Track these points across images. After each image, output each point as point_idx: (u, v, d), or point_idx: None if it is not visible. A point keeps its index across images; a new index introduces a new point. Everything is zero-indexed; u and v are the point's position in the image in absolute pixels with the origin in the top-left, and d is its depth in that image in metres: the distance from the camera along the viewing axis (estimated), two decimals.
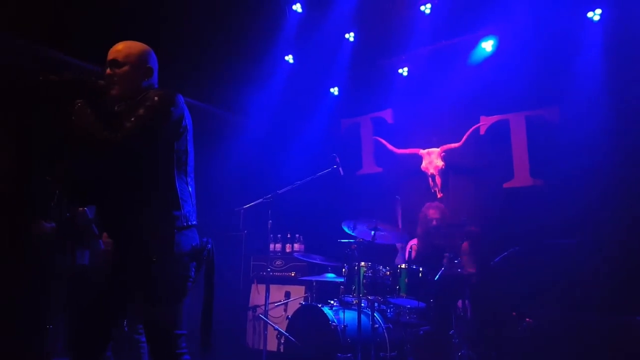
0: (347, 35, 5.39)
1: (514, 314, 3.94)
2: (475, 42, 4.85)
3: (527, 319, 3.86)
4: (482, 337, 3.79)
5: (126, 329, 2.78)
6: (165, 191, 2.03)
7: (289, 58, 5.58)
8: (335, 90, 5.71)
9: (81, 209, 2.56)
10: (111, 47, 2.16)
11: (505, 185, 4.60)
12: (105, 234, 2.21)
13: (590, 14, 4.28)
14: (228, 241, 4.51)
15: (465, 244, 4.18)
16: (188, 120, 2.16)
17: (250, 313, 4.85)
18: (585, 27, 4.28)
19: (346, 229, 3.97)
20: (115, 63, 2.11)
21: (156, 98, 2.03)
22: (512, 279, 4.04)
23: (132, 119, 1.97)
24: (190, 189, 2.12)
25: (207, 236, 2.13)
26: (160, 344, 1.96)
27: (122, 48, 2.14)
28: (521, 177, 4.52)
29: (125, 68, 2.11)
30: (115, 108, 2.11)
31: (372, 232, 3.82)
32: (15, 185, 3.29)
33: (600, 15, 4.25)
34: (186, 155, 2.13)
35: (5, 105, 3.58)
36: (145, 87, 2.15)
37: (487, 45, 4.80)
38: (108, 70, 2.11)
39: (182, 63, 4.56)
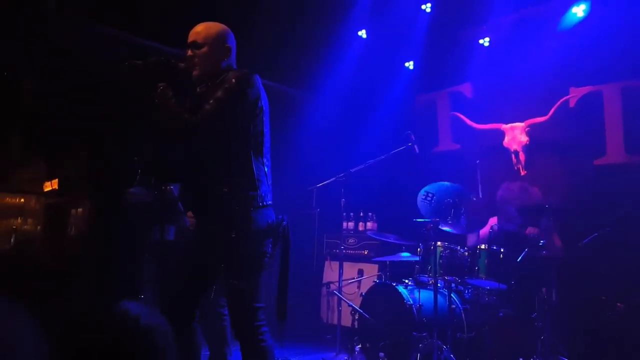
0: (423, 7, 5.17)
1: (603, 298, 3.69)
2: (566, 7, 4.47)
3: (618, 304, 3.60)
4: (567, 322, 3.59)
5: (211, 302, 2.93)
6: (242, 171, 2.09)
7: (362, 33, 5.47)
8: (410, 65, 5.54)
9: (167, 187, 2.71)
10: (190, 29, 2.21)
11: (596, 162, 4.26)
12: (189, 212, 2.34)
13: None
14: (301, 219, 4.60)
15: (551, 225, 3.95)
16: (264, 102, 2.18)
17: (324, 289, 4.95)
18: None
19: (420, 209, 3.89)
20: (195, 44, 2.15)
21: (234, 80, 2.07)
22: (601, 262, 3.78)
23: (211, 101, 2.02)
24: (266, 170, 2.17)
25: (284, 214, 2.19)
26: (241, 315, 2.05)
27: (201, 29, 2.18)
28: (615, 153, 4.16)
29: (205, 49, 2.14)
30: (197, 90, 2.18)
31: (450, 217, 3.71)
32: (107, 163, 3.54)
33: None
34: (262, 136, 2.16)
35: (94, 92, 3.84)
36: (224, 67, 2.19)
37: (579, 10, 4.41)
38: (189, 52, 2.16)
39: (257, 43, 4.63)
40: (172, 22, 2.28)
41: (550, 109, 4.52)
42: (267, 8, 4.78)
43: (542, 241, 3.53)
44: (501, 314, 3.62)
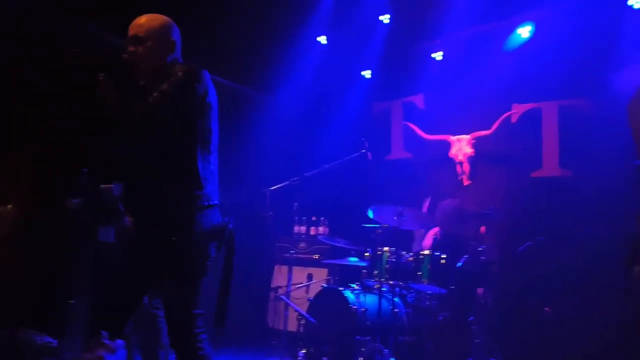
0: (381, 17, 5.30)
1: (535, 303, 3.95)
2: (512, 28, 4.73)
3: (546, 308, 3.86)
4: (501, 325, 3.81)
5: (145, 304, 2.81)
6: (187, 169, 1.99)
7: (322, 39, 5.53)
8: (367, 73, 5.69)
9: (107, 185, 2.62)
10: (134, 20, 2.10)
11: (533, 175, 4.54)
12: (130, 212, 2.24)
13: (631, 1, 4.09)
14: (253, 222, 4.63)
15: (489, 233, 4.18)
16: (213, 98, 2.09)
17: (272, 294, 4.99)
18: (625, 15, 4.10)
19: (371, 214, 4.02)
20: (137, 39, 2.05)
21: (180, 73, 1.98)
22: (535, 269, 4.04)
23: (156, 93, 1.93)
24: (213, 168, 2.08)
25: (232, 216, 2.10)
26: (178, 322, 1.96)
27: (143, 22, 2.08)
28: (550, 167, 4.44)
29: (149, 44, 2.05)
30: (140, 83, 2.08)
31: (396, 218, 3.87)
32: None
33: None
34: (210, 134, 2.06)
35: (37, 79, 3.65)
36: (169, 61, 2.10)
37: (524, 32, 4.67)
38: (131, 47, 2.05)
39: (210, 39, 4.59)
40: (129, 15, 2.18)
41: (494, 123, 4.77)
42: (228, 6, 4.77)
43: (480, 248, 3.74)
44: (441, 318, 3.78)
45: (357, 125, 5.45)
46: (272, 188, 4.44)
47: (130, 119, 1.93)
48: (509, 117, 4.74)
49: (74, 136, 3.50)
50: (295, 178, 4.26)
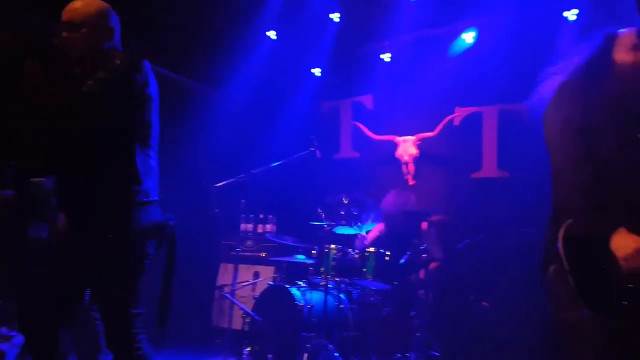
0: (332, 16, 5.31)
1: (471, 297, 4.12)
2: (457, 33, 4.91)
3: (484, 303, 4.05)
4: (440, 319, 3.96)
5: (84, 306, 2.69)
6: (124, 164, 1.90)
7: (271, 34, 5.44)
8: (317, 71, 5.71)
9: (37, 179, 2.46)
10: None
11: (473, 176, 4.75)
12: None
13: (566, 14, 4.36)
14: (198, 219, 4.54)
15: (431, 231, 4.33)
16: (153, 90, 1.99)
17: (217, 292, 4.92)
18: (561, 26, 4.36)
19: (319, 212, 4.05)
20: (71, 25, 1.93)
21: (118, 62, 1.88)
22: (473, 266, 4.22)
23: (91, 82, 1.81)
24: (152, 163, 1.98)
25: (175, 213, 2.02)
26: (116, 323, 1.89)
27: (78, 6, 1.96)
28: (489, 168, 4.67)
29: (84, 30, 1.93)
30: (74, 71, 1.93)
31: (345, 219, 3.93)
32: None
33: (577, 15, 4.33)
34: (149, 127, 1.97)
35: None
36: (106, 49, 1.99)
37: (468, 37, 4.86)
38: (64, 33, 1.93)
39: (154, 29, 4.44)
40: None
41: (438, 125, 4.94)
42: None
43: (422, 245, 3.86)
44: (384, 313, 3.88)
45: (306, 123, 5.46)
46: (219, 184, 4.36)
47: (62, 108, 1.81)
48: (452, 120, 4.92)
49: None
50: (242, 175, 4.21)
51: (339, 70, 5.58)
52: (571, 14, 4.34)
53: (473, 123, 4.82)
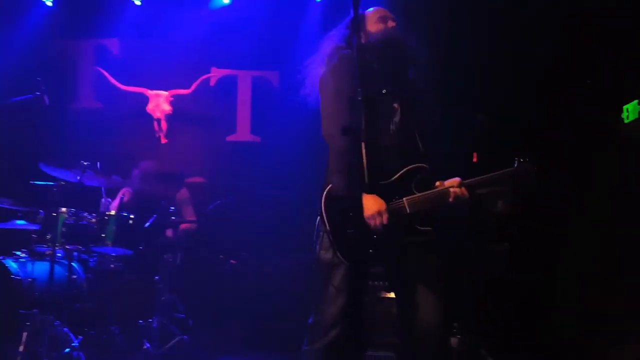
0: None
1: (221, 256, 4.21)
2: None
3: (232, 261, 4.19)
4: (188, 280, 3.92)
5: None
6: None
7: None
8: (48, 1, 4.76)
9: None
10: None
11: (228, 139, 4.79)
12: None
13: None
14: None
15: (184, 193, 4.20)
16: None
17: None
18: (309, 3, 4.63)
19: (46, 169, 3.45)
20: None
21: None
22: (224, 226, 4.29)
23: None
24: None
25: None
26: None
27: None
28: (243, 132, 4.78)
29: None
30: None
31: (80, 175, 3.45)
32: None
33: None
34: None
35: None
36: None
37: None
38: None
39: None
40: None
41: (194, 83, 4.77)
42: None
43: (172, 208, 3.70)
44: (126, 280, 3.63)
45: (32, 63, 4.53)
46: None
47: None
48: (208, 80, 4.82)
49: None
50: None
51: (77, 4, 4.77)
52: None
53: (228, 86, 4.83)
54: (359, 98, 1.79)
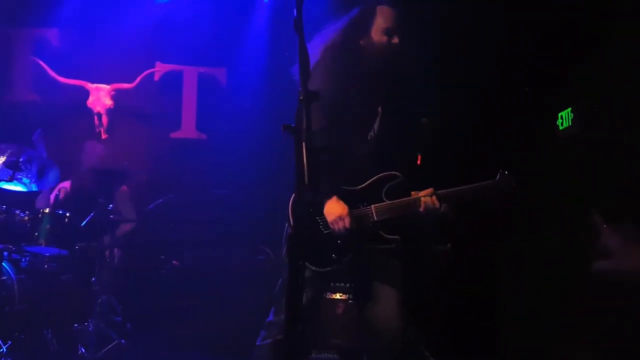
0: None
1: (162, 257, 4.10)
2: None
3: (174, 262, 4.08)
4: (127, 282, 3.80)
5: None
6: None
7: None
8: None
9: None
10: None
11: (172, 135, 4.69)
12: None
13: None
14: None
15: (125, 190, 4.07)
16: None
17: None
18: (256, 2, 4.57)
19: None
20: None
21: None
22: (166, 225, 4.19)
23: None
24: None
25: None
26: None
27: None
28: (188, 129, 4.69)
29: None
30: None
31: (11, 173, 3.28)
32: None
33: None
34: None
35: None
36: None
37: None
38: None
39: None
40: None
41: (137, 77, 4.62)
42: None
43: (110, 205, 3.58)
44: (61, 281, 3.48)
45: None
46: None
47: None
48: (152, 75, 4.70)
49: None
50: None
51: None
52: None
53: (173, 81, 4.71)
54: (300, 97, 1.78)
